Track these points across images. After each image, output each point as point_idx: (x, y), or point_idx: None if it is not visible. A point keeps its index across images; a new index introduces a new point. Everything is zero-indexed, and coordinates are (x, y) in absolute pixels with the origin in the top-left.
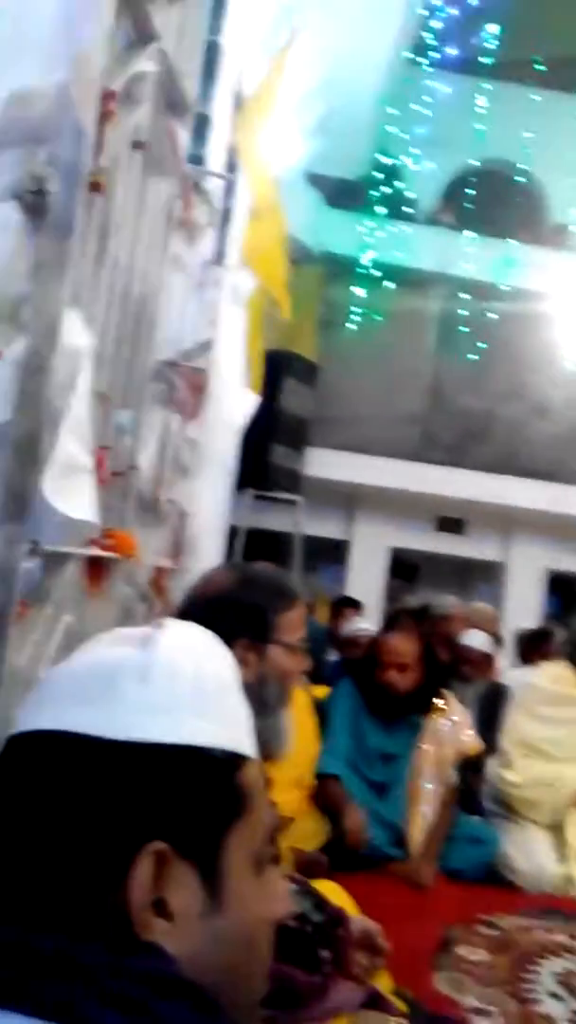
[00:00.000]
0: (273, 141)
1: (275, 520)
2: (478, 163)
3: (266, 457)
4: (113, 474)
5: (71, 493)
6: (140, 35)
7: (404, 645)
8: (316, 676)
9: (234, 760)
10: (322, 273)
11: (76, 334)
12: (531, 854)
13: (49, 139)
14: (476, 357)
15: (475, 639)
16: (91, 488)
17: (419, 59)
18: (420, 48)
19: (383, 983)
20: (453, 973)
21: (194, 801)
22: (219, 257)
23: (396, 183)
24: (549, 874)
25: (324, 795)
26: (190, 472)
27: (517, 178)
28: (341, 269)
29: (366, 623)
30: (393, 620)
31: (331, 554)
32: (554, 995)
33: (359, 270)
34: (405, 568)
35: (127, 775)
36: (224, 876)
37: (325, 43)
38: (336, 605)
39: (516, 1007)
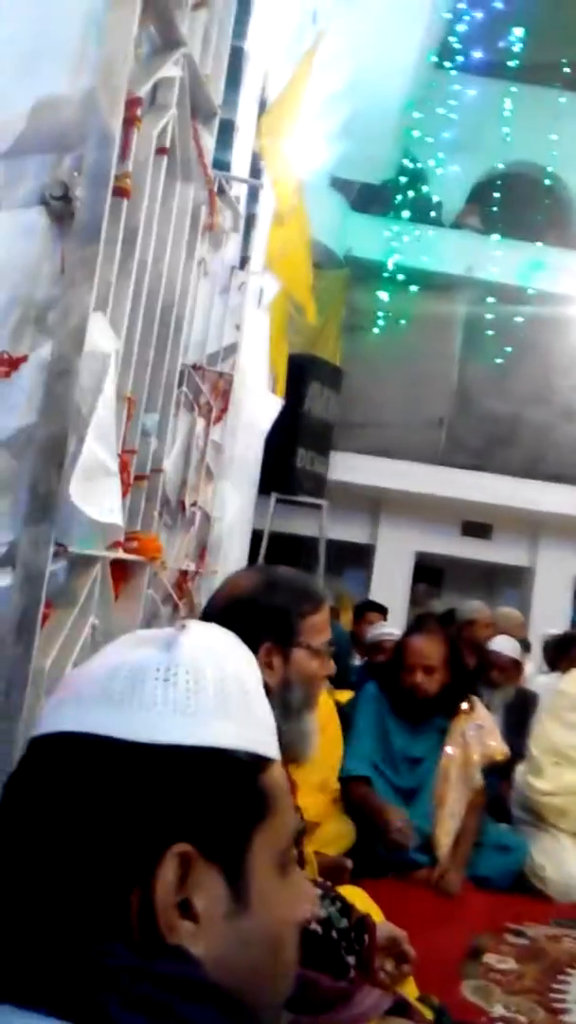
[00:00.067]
0: (298, 145)
1: (299, 524)
2: (504, 166)
3: (290, 461)
4: (138, 477)
5: (96, 496)
6: (166, 41)
7: (430, 647)
8: (340, 681)
9: (258, 762)
10: (347, 277)
11: (102, 338)
12: (561, 863)
13: (75, 145)
14: (502, 361)
15: (504, 645)
16: (116, 491)
17: (445, 62)
18: (446, 51)
19: (409, 990)
20: (481, 981)
21: (218, 803)
22: (244, 262)
23: (421, 187)
24: None
25: (353, 798)
26: (215, 476)
27: (544, 181)
28: (366, 273)
29: (391, 628)
30: (419, 623)
31: (355, 558)
32: None
33: (384, 274)
34: (430, 573)
35: (151, 777)
36: (249, 877)
37: (350, 47)
38: (360, 609)
39: (545, 1016)
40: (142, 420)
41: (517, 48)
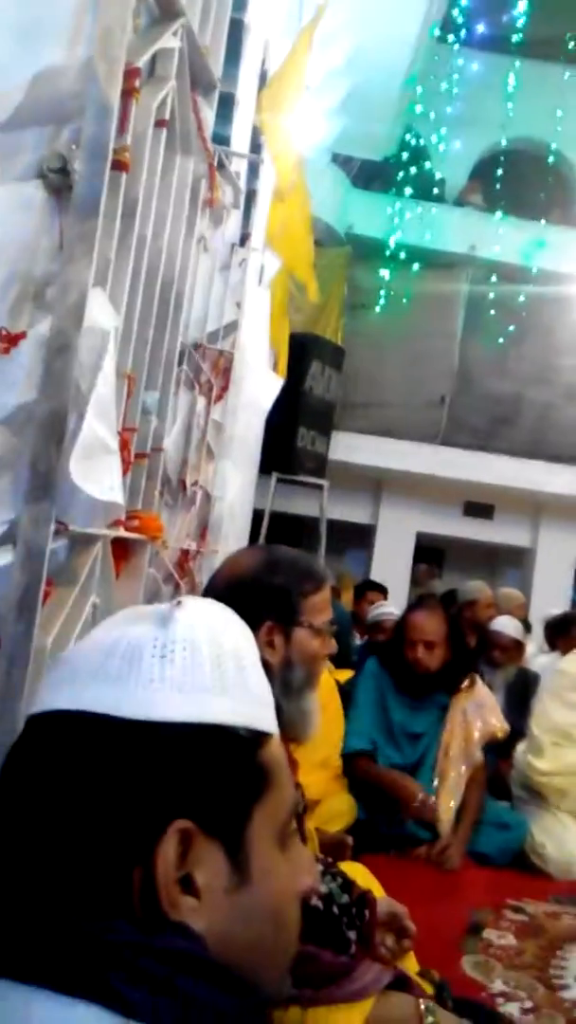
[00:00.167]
0: (298, 121)
1: (300, 504)
2: (507, 143)
3: (291, 440)
4: (138, 456)
5: (97, 474)
6: (164, 11)
7: (431, 623)
8: (341, 660)
9: (256, 737)
10: (348, 255)
11: (101, 314)
12: (562, 841)
13: (73, 117)
14: (504, 340)
15: (506, 625)
16: (117, 469)
17: (448, 37)
18: (449, 25)
19: (409, 965)
20: (480, 957)
21: (218, 779)
22: (244, 239)
23: (424, 163)
24: None
25: (359, 772)
26: (215, 455)
27: (547, 158)
28: (367, 251)
29: (391, 607)
30: (420, 602)
31: (357, 538)
32: None
33: (386, 252)
34: (431, 553)
35: (150, 755)
36: (249, 852)
37: (352, 20)
38: (360, 589)
39: (544, 992)
40: (142, 398)
41: (521, 23)
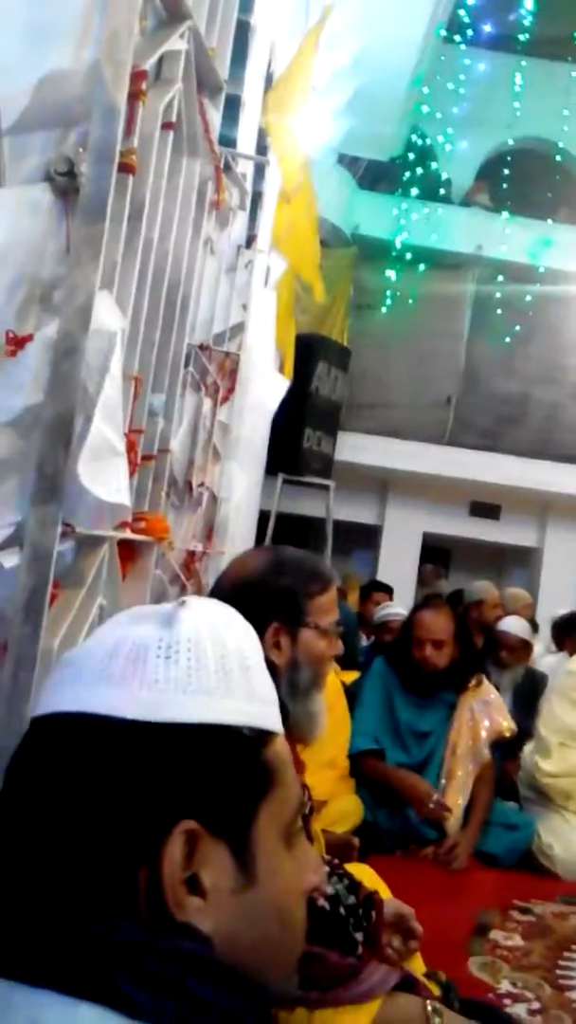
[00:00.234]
0: (304, 122)
1: (306, 505)
2: (514, 142)
3: (298, 441)
4: (145, 457)
5: (104, 476)
6: (171, 13)
7: (439, 621)
8: (347, 661)
9: (261, 736)
10: (354, 256)
11: (108, 316)
12: (569, 842)
13: (80, 120)
14: (511, 340)
15: (513, 625)
16: (124, 471)
17: (454, 36)
18: (455, 25)
19: (416, 966)
20: (487, 958)
21: (223, 779)
22: (250, 240)
23: (430, 164)
24: None
25: (367, 772)
26: (222, 456)
27: (554, 157)
28: (374, 252)
29: (397, 608)
30: (426, 602)
31: (363, 539)
32: None
33: (392, 253)
34: (437, 553)
35: (155, 756)
36: (255, 851)
37: (358, 21)
38: (366, 590)
39: (551, 993)
40: (149, 400)
41: (527, 22)
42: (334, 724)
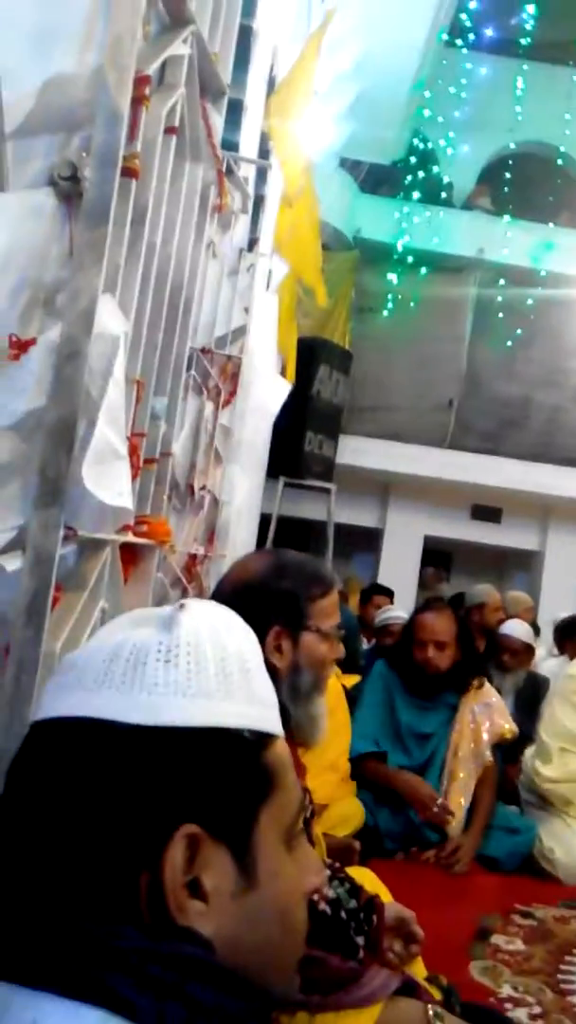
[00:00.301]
0: (307, 126)
1: (308, 508)
2: (515, 146)
3: (299, 444)
4: (147, 461)
5: (107, 479)
6: (174, 19)
7: (441, 623)
8: (348, 665)
9: (261, 739)
10: (356, 259)
11: (111, 320)
12: (571, 846)
13: (84, 124)
14: (512, 343)
15: (516, 628)
16: (126, 474)
17: (456, 41)
18: (457, 29)
19: (417, 971)
20: (489, 962)
21: (224, 783)
22: (252, 244)
23: (432, 167)
24: None
25: (369, 775)
26: (223, 459)
27: (556, 160)
28: (375, 255)
29: (398, 611)
30: (427, 605)
31: (364, 542)
32: None
33: (394, 256)
34: (439, 557)
35: (155, 760)
36: (256, 854)
37: (360, 25)
38: (367, 593)
39: (552, 997)
40: (151, 403)
41: (529, 26)
42: (335, 728)
